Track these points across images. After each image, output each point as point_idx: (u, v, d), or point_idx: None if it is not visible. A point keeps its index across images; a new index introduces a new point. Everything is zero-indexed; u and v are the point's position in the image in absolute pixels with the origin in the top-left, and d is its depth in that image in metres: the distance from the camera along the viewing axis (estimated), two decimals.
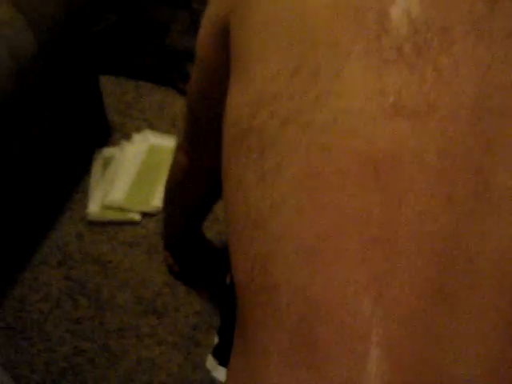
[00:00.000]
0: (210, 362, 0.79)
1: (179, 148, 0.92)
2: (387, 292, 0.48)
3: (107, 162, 1.44)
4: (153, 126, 1.53)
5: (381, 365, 0.47)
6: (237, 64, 0.60)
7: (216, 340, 0.83)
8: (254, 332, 0.53)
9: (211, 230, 1.31)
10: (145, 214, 1.36)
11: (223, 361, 0.77)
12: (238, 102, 0.58)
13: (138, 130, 1.52)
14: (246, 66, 0.58)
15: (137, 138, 1.48)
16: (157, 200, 1.34)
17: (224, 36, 0.64)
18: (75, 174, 1.44)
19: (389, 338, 0.47)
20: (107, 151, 1.47)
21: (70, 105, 1.36)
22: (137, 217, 1.34)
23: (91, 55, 1.39)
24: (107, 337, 1.19)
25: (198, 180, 0.94)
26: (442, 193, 0.48)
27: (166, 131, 1.51)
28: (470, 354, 0.47)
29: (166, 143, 1.45)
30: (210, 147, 0.77)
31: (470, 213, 0.48)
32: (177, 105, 1.58)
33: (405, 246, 0.48)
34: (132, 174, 1.40)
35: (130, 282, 1.26)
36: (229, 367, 0.57)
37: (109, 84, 1.63)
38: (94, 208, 1.35)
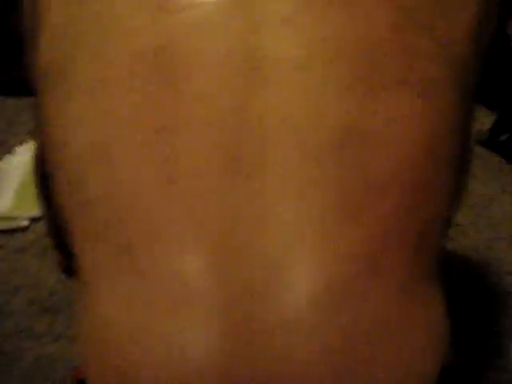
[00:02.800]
0: None
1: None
2: (177, 176, 0.49)
3: None
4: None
5: (196, 249, 0.49)
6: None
7: None
8: (84, 257, 0.54)
9: None
10: (33, 219, 1.35)
11: None
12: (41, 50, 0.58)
13: (22, 143, 1.53)
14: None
15: (20, 149, 1.49)
16: None
17: None
18: None
19: (197, 221, 0.49)
20: None
21: None
22: (25, 223, 1.34)
23: None
24: (2, 341, 1.17)
25: None
26: (220, 74, 0.50)
27: None
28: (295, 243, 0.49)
29: None
30: None
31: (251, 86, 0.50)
32: None
33: (187, 131, 0.49)
34: (17, 182, 1.40)
35: (24, 285, 1.25)
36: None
37: None
38: None
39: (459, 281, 1.30)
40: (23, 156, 1.46)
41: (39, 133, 0.59)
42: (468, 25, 0.55)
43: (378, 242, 0.50)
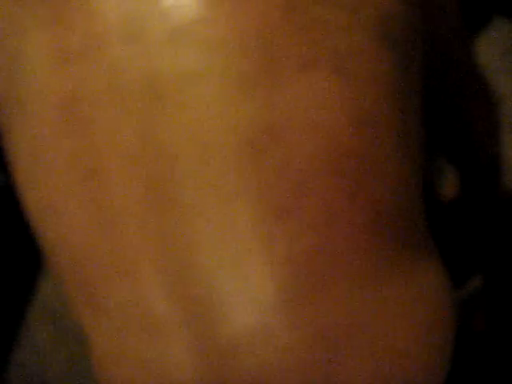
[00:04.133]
0: None
1: None
2: (111, 216, 0.50)
3: None
4: None
5: (144, 277, 0.50)
6: None
7: None
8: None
9: None
10: None
11: None
12: None
13: None
14: None
15: None
16: None
17: None
18: None
19: (138, 253, 0.50)
20: None
21: None
22: None
23: None
24: None
25: None
26: (123, 108, 0.50)
27: None
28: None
29: None
30: None
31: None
32: None
33: (109, 172, 0.50)
34: None
35: None
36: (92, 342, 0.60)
37: None
38: None
39: None
40: None
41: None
42: None
43: (321, 238, 0.47)
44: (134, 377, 0.52)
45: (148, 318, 0.50)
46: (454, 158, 0.80)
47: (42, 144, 0.52)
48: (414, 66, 0.52)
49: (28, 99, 0.52)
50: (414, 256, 0.51)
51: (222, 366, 0.49)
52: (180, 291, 0.49)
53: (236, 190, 0.47)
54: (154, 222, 0.49)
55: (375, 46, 0.48)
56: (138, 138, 0.49)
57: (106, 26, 0.49)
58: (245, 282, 0.47)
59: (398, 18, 0.49)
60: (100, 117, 0.50)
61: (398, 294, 0.49)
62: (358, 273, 0.47)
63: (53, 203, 0.53)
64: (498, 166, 0.81)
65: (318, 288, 0.47)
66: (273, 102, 0.46)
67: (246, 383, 0.48)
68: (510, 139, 0.76)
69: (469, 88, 0.69)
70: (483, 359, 0.82)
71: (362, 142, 0.47)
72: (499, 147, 0.79)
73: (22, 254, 1.45)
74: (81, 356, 1.24)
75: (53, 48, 0.50)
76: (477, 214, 0.85)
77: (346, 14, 0.47)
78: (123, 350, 0.52)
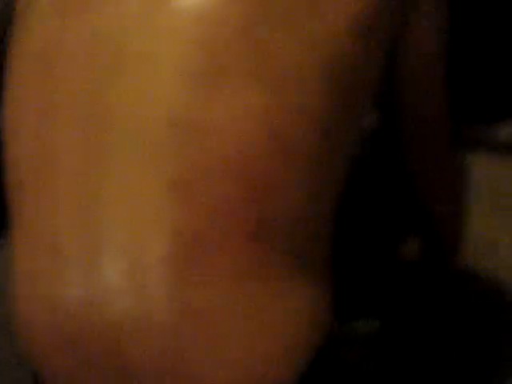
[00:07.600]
0: None
1: None
2: (51, 153, 0.59)
3: None
4: None
5: (63, 212, 0.58)
6: None
7: None
8: (25, 220, 0.61)
9: None
10: None
11: None
12: None
13: None
14: None
15: None
16: None
17: None
18: None
19: (60, 193, 0.58)
20: None
21: None
22: None
23: None
24: None
25: None
26: (85, 64, 0.58)
27: None
28: None
29: None
30: None
31: None
32: None
33: (58, 114, 0.58)
34: None
35: None
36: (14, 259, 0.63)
37: None
38: None
39: (489, 303, 1.07)
40: None
41: None
42: (347, 21, 0.55)
43: (207, 224, 0.53)
44: (39, 299, 0.57)
45: (55, 244, 0.56)
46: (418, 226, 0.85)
47: (22, 76, 0.61)
48: (356, 110, 0.59)
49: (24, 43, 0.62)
50: (290, 274, 0.56)
51: (96, 307, 0.55)
52: (83, 231, 0.55)
53: (151, 165, 0.53)
54: (82, 168, 0.56)
55: (320, 83, 0.54)
56: (91, 94, 0.56)
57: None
58: (132, 242, 0.53)
59: (349, 60, 0.55)
60: (68, 66, 0.57)
61: (259, 300, 0.54)
62: (228, 266, 0.53)
63: (15, 127, 0.61)
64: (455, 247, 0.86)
65: (196, 270, 0.52)
66: (208, 103, 0.53)
67: (110, 327, 0.54)
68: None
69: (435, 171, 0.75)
70: None
71: (276, 163, 0.54)
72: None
73: None
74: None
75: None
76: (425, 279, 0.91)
77: (302, 50, 0.53)
78: (34, 269, 0.58)
